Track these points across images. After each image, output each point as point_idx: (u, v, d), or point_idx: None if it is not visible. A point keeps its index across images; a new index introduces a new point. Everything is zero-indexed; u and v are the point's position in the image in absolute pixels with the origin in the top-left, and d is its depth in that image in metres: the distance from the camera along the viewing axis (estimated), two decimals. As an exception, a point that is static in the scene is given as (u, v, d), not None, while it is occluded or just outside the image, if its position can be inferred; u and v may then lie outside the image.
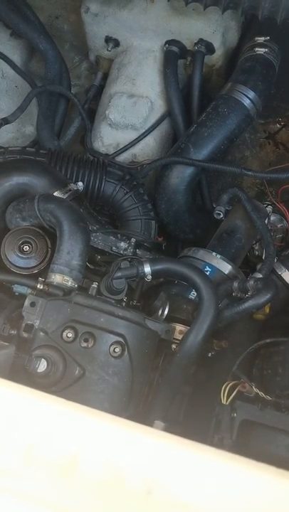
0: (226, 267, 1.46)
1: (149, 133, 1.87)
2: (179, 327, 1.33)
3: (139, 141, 1.86)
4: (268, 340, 1.31)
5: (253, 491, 0.45)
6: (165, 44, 1.89)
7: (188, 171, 1.69)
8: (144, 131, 1.87)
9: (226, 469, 0.46)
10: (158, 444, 0.47)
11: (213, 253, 1.49)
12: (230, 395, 1.21)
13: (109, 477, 0.47)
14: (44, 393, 0.56)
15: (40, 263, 1.30)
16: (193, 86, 1.87)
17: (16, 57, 2.07)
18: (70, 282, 1.24)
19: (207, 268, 1.46)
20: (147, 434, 0.50)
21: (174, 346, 1.29)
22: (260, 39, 1.79)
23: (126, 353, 1.19)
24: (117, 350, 1.19)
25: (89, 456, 0.48)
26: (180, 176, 1.69)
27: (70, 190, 1.42)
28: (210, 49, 1.86)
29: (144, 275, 1.28)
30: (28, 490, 0.46)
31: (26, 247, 1.31)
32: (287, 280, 1.55)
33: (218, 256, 1.48)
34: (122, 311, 1.23)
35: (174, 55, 1.88)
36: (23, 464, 0.48)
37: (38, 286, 1.23)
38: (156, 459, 0.47)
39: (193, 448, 0.48)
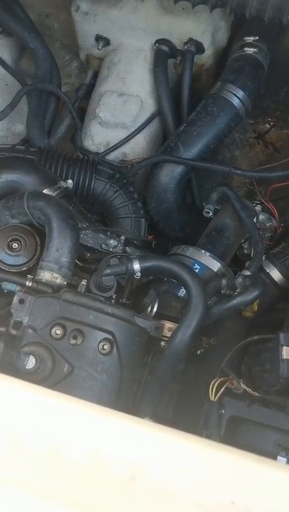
0: (215, 265, 1.47)
1: (139, 132, 1.87)
2: (168, 324, 1.33)
3: (129, 140, 1.86)
4: (256, 337, 1.32)
5: (236, 477, 0.46)
6: (155, 43, 1.89)
7: (178, 169, 1.70)
8: (134, 129, 1.87)
9: (208, 456, 0.47)
10: (141, 432, 0.48)
11: (203, 251, 1.50)
12: (219, 391, 1.22)
13: (94, 464, 0.47)
14: (29, 383, 0.56)
15: (29, 260, 1.30)
16: (183, 85, 1.87)
17: (6, 56, 2.06)
18: (59, 279, 1.24)
19: (196, 266, 1.46)
20: (131, 422, 0.51)
21: (162, 343, 1.29)
22: (250, 39, 1.80)
23: (115, 350, 1.19)
24: (105, 347, 1.19)
25: (73, 444, 0.49)
26: (170, 174, 1.70)
27: (59, 187, 1.42)
28: (200, 48, 1.87)
29: (134, 272, 1.28)
30: (14, 477, 0.47)
31: (15, 245, 1.31)
32: (275, 278, 1.56)
33: (207, 254, 1.49)
34: (111, 308, 1.23)
35: (164, 54, 1.89)
36: (10, 451, 0.48)
37: (27, 283, 1.23)
38: (140, 446, 0.47)
39: (176, 435, 0.49)
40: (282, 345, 1.19)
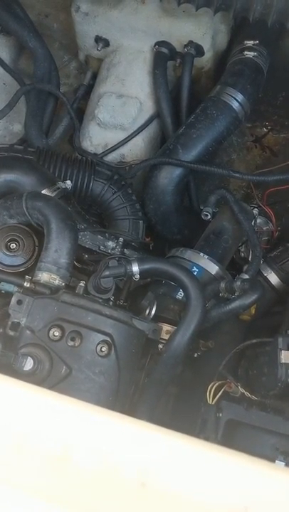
0: (213, 268, 1.47)
1: (137, 133, 1.87)
2: (166, 327, 1.33)
3: (127, 142, 1.86)
4: (254, 341, 1.32)
5: (244, 481, 0.45)
6: (155, 45, 1.89)
7: (177, 171, 1.70)
8: (132, 131, 1.86)
9: (218, 461, 0.46)
10: (151, 436, 0.48)
11: (201, 254, 1.50)
12: (216, 395, 1.21)
13: (103, 468, 0.47)
14: (37, 386, 0.56)
15: (27, 261, 1.29)
16: (182, 88, 1.87)
17: (5, 55, 2.05)
18: (57, 281, 1.23)
19: (194, 268, 1.46)
20: (140, 426, 0.50)
21: (160, 346, 1.29)
22: (250, 43, 1.80)
23: (113, 352, 1.19)
24: (103, 349, 1.18)
25: (82, 448, 0.48)
26: (168, 176, 1.69)
27: (58, 188, 1.41)
28: (199, 51, 1.87)
29: (132, 274, 1.28)
30: (21, 480, 0.46)
31: (13, 245, 1.30)
32: (272, 281, 1.57)
33: (206, 256, 1.49)
34: (109, 310, 1.22)
35: (164, 57, 1.89)
36: (16, 455, 0.48)
37: (25, 284, 1.22)
38: (150, 450, 0.47)
39: (185, 440, 0.48)
40: (281, 349, 1.19)
